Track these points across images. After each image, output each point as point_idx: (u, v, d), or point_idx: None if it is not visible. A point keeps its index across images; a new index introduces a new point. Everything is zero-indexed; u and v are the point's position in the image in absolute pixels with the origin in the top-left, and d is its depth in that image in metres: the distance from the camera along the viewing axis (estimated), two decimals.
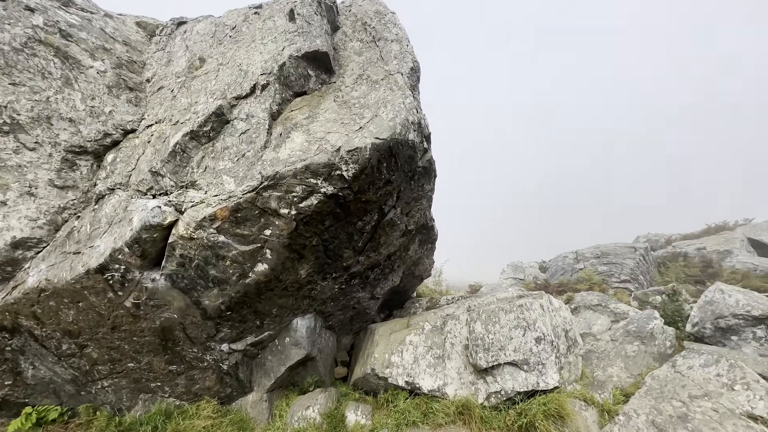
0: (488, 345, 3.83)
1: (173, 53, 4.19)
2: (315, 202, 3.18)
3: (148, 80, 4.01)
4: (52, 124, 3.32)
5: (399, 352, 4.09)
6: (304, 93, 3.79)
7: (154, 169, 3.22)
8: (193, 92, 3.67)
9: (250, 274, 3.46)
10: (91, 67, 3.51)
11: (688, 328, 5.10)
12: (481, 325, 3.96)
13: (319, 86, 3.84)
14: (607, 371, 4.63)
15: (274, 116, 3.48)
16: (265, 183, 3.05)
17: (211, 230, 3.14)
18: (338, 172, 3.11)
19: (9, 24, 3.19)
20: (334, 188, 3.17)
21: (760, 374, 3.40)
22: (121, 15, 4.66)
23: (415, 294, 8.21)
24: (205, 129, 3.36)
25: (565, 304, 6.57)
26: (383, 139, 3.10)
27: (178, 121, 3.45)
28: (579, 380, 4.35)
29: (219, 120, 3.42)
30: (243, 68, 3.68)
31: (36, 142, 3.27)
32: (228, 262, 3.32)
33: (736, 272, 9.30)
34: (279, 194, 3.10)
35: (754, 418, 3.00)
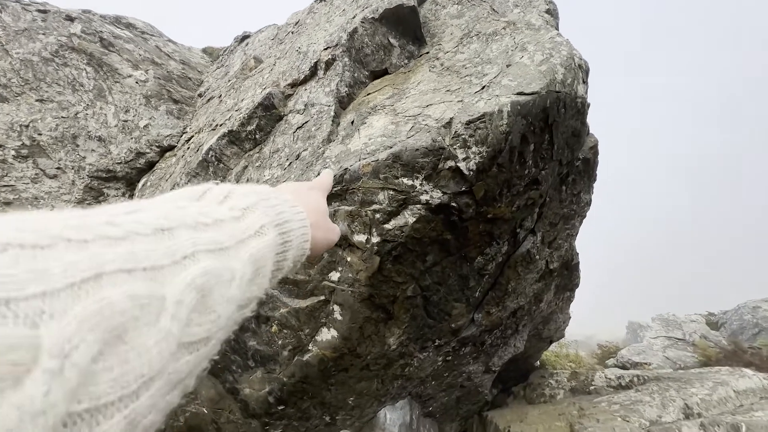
0: None
1: (231, 65, 3.50)
2: (411, 220, 1.82)
3: (200, 95, 3.30)
4: (78, 145, 2.65)
5: None
6: (385, 72, 2.62)
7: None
8: (242, 91, 2.77)
9: (309, 347, 2.13)
10: (130, 76, 2.86)
11: None
12: None
13: (405, 61, 2.65)
14: None
15: (342, 101, 2.33)
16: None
17: None
18: (451, 162, 1.73)
19: (44, 34, 2.71)
20: (444, 194, 1.78)
21: None
22: (189, 46, 4.28)
23: (538, 362, 6.07)
24: (249, 128, 2.34)
25: None
26: (533, 92, 1.67)
27: (217, 125, 2.51)
28: None
29: (268, 115, 2.38)
30: (302, 50, 2.70)
31: (58, 168, 2.59)
32: (275, 328, 2.05)
33: None
34: (350, 208, 1.81)
35: None
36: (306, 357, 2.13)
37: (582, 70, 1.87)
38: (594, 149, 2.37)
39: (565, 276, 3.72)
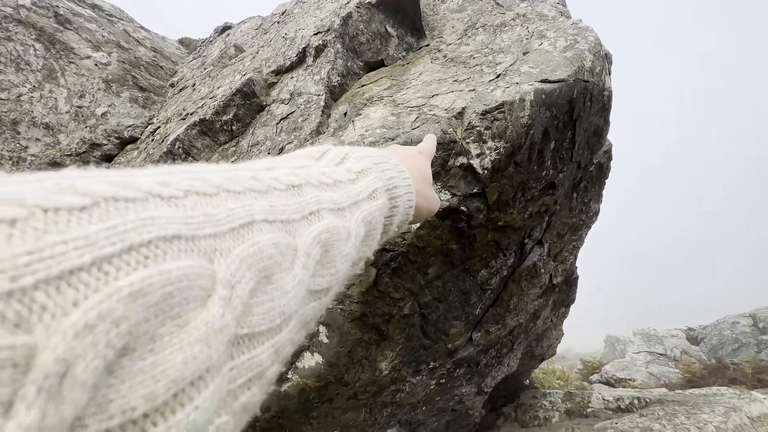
0: None
1: (208, 55, 3.18)
2: (415, 226, 1.55)
3: (172, 85, 2.96)
4: (18, 133, 2.25)
5: None
6: (381, 64, 2.39)
7: None
8: (218, 79, 2.46)
9: (289, 375, 1.80)
10: (88, 57, 2.49)
11: None
12: None
13: (403, 53, 2.43)
14: None
15: (333, 92, 2.06)
16: None
17: None
18: (462, 159, 1.48)
19: None
20: (453, 196, 1.53)
21: None
22: (163, 36, 3.94)
23: (527, 381, 5.84)
24: (224, 118, 2.03)
25: None
26: (559, 80, 1.45)
27: (188, 114, 2.19)
28: None
29: (248, 104, 2.08)
30: (289, 36, 2.43)
31: None
32: None
33: None
34: None
35: None
36: (284, 387, 1.79)
37: (608, 61, 1.68)
38: (608, 153, 2.19)
39: (564, 291, 3.53)
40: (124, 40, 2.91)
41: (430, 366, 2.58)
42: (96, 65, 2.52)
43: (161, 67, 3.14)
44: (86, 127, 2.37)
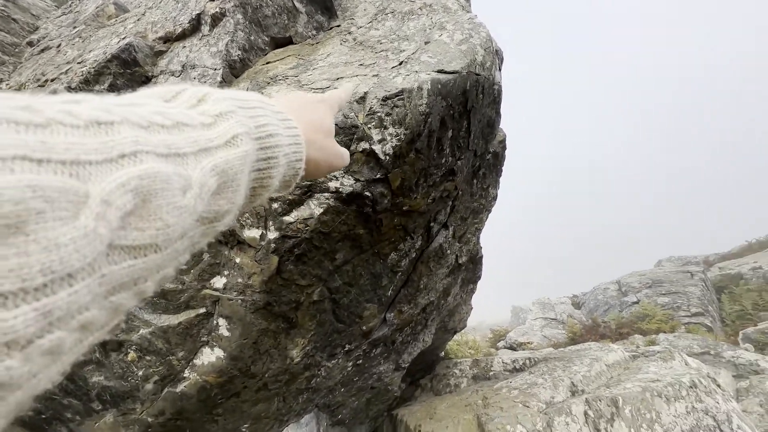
0: None
1: (82, 12, 2.67)
2: (318, 211, 1.52)
3: (31, 43, 2.44)
4: None
5: None
6: (289, 42, 2.26)
7: None
8: (92, 41, 2.09)
9: (185, 374, 1.67)
10: None
11: None
12: (627, 429, 2.17)
13: (313, 32, 2.33)
14: None
15: (233, 66, 1.90)
16: None
17: None
18: (365, 144, 1.49)
19: None
20: (357, 181, 1.54)
21: None
22: None
23: (443, 353, 6.33)
24: (97, 88, 1.73)
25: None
26: (454, 71, 1.52)
27: (48, 80, 1.82)
28: None
29: (128, 73, 1.81)
30: (182, 0, 2.15)
31: None
32: (132, 355, 1.54)
33: None
34: None
35: None
36: (180, 387, 1.66)
37: (498, 57, 1.82)
38: (503, 143, 2.40)
39: (470, 270, 3.85)
40: None
41: (346, 348, 2.62)
42: None
43: (14, 19, 2.57)
44: None
